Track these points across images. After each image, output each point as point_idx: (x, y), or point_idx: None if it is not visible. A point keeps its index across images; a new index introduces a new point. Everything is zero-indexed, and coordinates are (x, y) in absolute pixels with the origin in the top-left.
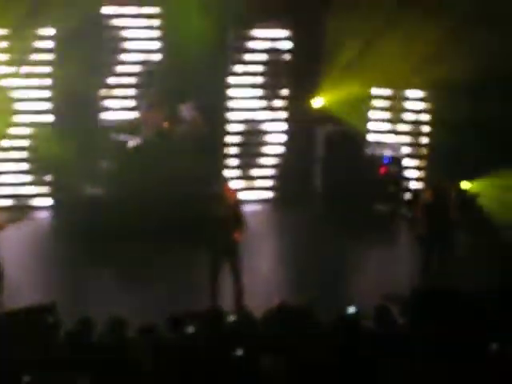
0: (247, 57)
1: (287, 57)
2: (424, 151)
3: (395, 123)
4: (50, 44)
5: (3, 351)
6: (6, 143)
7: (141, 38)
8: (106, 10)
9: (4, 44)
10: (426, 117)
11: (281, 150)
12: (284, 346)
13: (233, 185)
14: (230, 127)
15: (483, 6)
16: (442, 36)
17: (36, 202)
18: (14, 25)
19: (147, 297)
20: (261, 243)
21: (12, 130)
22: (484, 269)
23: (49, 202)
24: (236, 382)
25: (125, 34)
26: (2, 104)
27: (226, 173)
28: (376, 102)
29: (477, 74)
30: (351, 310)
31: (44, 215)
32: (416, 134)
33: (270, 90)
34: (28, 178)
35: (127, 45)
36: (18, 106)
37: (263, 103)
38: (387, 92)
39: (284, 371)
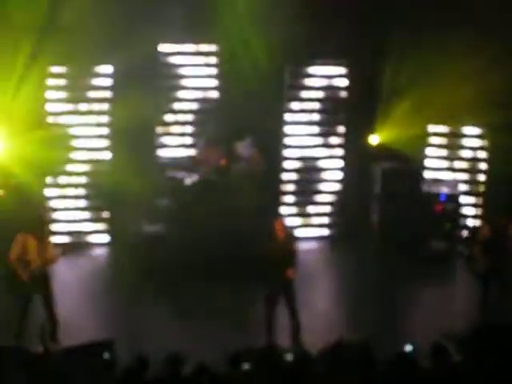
0: (304, 94)
1: (343, 94)
2: (481, 188)
3: (452, 160)
4: (107, 81)
5: None
6: (63, 180)
7: (198, 76)
8: (163, 47)
9: (62, 81)
10: (482, 154)
11: (337, 187)
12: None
13: (285, 221)
14: (287, 164)
15: None
16: (499, 75)
17: (93, 238)
18: (72, 62)
19: (203, 335)
20: (318, 280)
21: (70, 167)
22: None
23: (106, 239)
24: None
25: (182, 71)
26: (60, 141)
27: (284, 210)
28: (433, 139)
29: None
30: (408, 348)
31: (101, 252)
32: (473, 171)
33: (327, 127)
34: (85, 214)
35: (184, 82)
36: (75, 143)
37: (320, 140)
38: (444, 129)
39: None
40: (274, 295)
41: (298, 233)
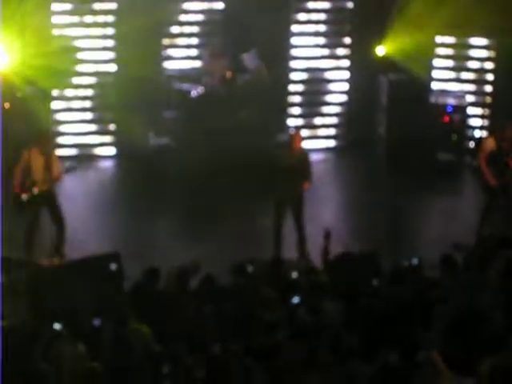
0: (310, 5)
1: (350, 4)
2: (488, 99)
3: (459, 71)
4: None
5: (68, 300)
6: (69, 93)
7: None
8: None
9: None
10: (490, 65)
11: (344, 98)
12: (346, 293)
13: (300, 134)
14: (293, 76)
15: None
16: None
17: (99, 151)
18: None
19: (211, 246)
20: (324, 192)
21: (75, 80)
22: None
23: (112, 151)
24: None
25: None
26: (65, 54)
27: (290, 122)
28: (440, 50)
29: None
30: (415, 260)
31: (107, 164)
32: (480, 82)
33: (333, 38)
34: (92, 127)
35: None
36: (81, 55)
37: (326, 51)
38: (451, 40)
39: (344, 319)
40: (284, 207)
41: (306, 144)
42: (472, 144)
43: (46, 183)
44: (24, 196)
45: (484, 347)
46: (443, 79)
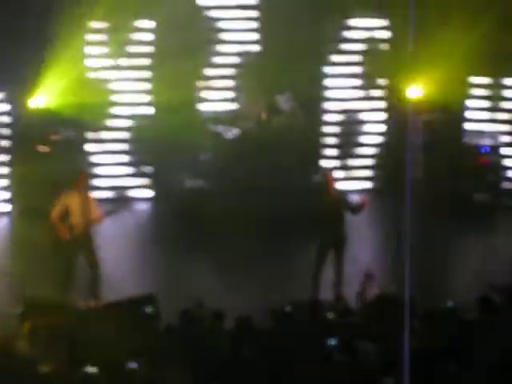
0: (345, 46)
1: (385, 46)
2: None
3: (494, 111)
4: (149, 36)
5: (103, 343)
6: (106, 135)
7: (239, 30)
8: (204, 1)
9: (104, 36)
10: None
11: (379, 139)
12: (380, 335)
13: (334, 174)
14: (328, 117)
15: None
16: None
17: (136, 193)
18: (113, 17)
19: (248, 289)
20: (360, 233)
21: (113, 122)
22: None
23: (149, 193)
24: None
25: (223, 25)
26: (102, 96)
27: (325, 163)
28: (474, 91)
29: None
30: (450, 302)
31: (144, 207)
32: None
33: (368, 80)
34: (128, 169)
35: (225, 36)
36: (118, 98)
37: (361, 93)
38: (486, 80)
39: (378, 359)
40: (327, 248)
41: (341, 186)
42: (508, 184)
43: (84, 226)
44: (65, 238)
45: None
46: (478, 120)
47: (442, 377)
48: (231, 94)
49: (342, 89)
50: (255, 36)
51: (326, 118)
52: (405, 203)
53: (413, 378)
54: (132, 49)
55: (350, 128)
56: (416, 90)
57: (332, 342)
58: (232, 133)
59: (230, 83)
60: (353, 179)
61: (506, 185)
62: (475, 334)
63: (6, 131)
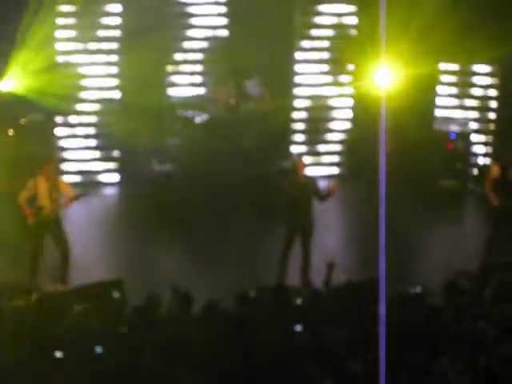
0: (314, 32)
1: (353, 32)
2: (491, 126)
3: (463, 98)
4: (117, 20)
5: (72, 326)
6: (73, 119)
7: (207, 14)
8: None
9: (72, 20)
10: (493, 92)
11: (348, 125)
12: (346, 320)
13: (303, 160)
14: (297, 103)
15: None
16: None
17: (103, 177)
18: (81, 1)
19: (214, 272)
20: (326, 219)
21: (80, 107)
22: None
23: (116, 177)
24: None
25: (191, 9)
26: (70, 80)
27: (294, 149)
28: (443, 77)
29: None
30: (418, 288)
31: (111, 191)
32: (483, 109)
33: (337, 66)
34: (95, 153)
35: (194, 21)
36: (85, 82)
37: (330, 79)
38: (455, 67)
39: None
40: (295, 233)
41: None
42: (476, 171)
43: (52, 209)
44: (30, 221)
45: None
46: (447, 106)
47: (410, 362)
48: (199, 79)
49: (311, 74)
50: (224, 21)
51: (295, 103)
52: (371, 189)
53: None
54: (100, 33)
55: (319, 114)
56: (385, 77)
57: (298, 327)
58: (200, 118)
59: (199, 68)
60: (321, 165)
61: (475, 171)
62: (442, 320)
63: None
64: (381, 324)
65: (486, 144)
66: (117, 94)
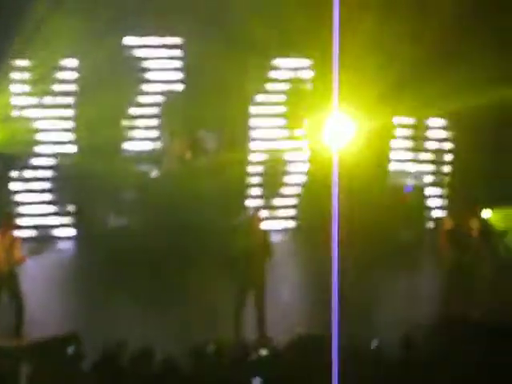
0: (269, 86)
1: (309, 86)
2: (446, 179)
3: (417, 152)
4: (72, 75)
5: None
6: (28, 174)
7: (163, 69)
8: (128, 40)
9: (27, 75)
10: (448, 145)
11: (303, 179)
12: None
13: (259, 214)
14: (253, 157)
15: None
16: (463, 66)
17: (59, 232)
18: (36, 56)
19: (171, 325)
20: (282, 272)
21: (35, 161)
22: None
23: (72, 232)
24: None
25: (147, 64)
26: (24, 135)
27: (250, 203)
28: (398, 131)
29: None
30: (374, 343)
31: (67, 246)
32: (438, 162)
33: (291, 120)
34: (52, 208)
35: (149, 75)
36: (40, 136)
37: (285, 133)
38: (409, 121)
39: None
40: (247, 287)
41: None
42: (431, 223)
43: (7, 265)
44: None
45: None
46: (401, 160)
47: None
48: (155, 133)
49: (266, 128)
50: (179, 75)
51: (251, 157)
52: (326, 243)
53: None
54: (55, 87)
55: (274, 167)
56: (338, 130)
57: (256, 382)
58: (156, 171)
59: (154, 122)
60: (276, 218)
61: (430, 224)
62: (399, 374)
63: None
64: (334, 378)
65: (440, 197)
66: (72, 148)
